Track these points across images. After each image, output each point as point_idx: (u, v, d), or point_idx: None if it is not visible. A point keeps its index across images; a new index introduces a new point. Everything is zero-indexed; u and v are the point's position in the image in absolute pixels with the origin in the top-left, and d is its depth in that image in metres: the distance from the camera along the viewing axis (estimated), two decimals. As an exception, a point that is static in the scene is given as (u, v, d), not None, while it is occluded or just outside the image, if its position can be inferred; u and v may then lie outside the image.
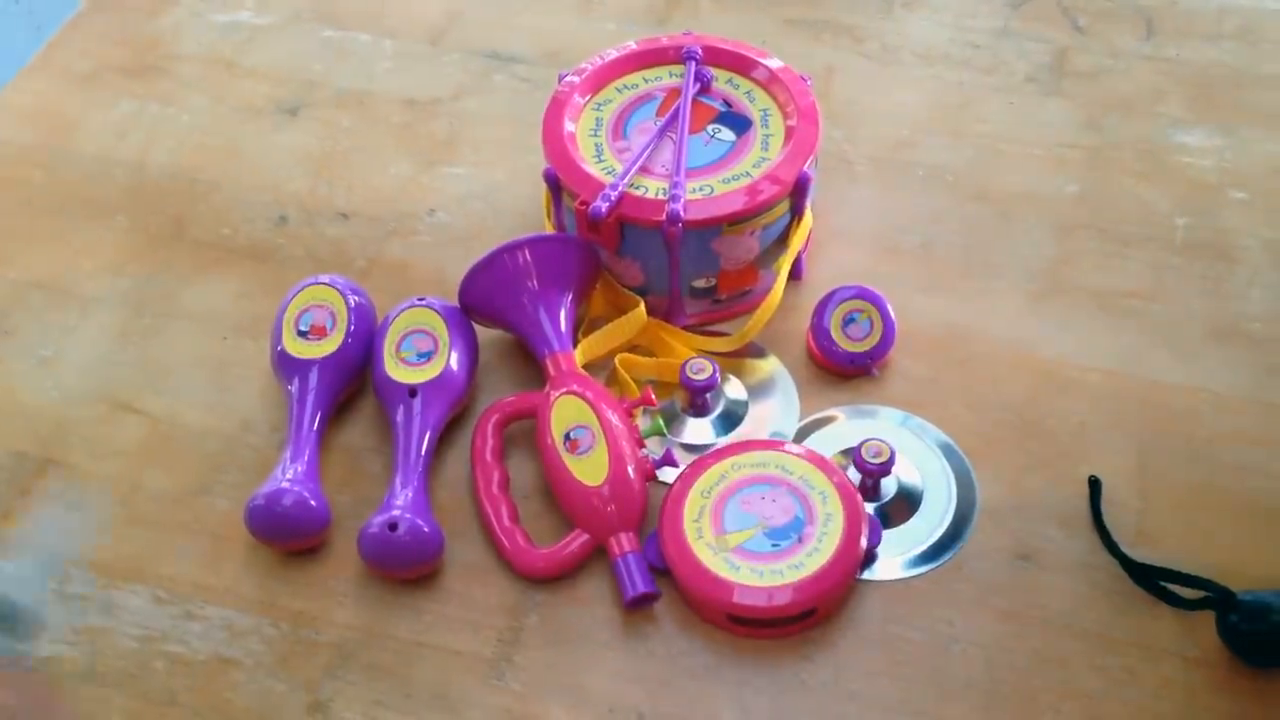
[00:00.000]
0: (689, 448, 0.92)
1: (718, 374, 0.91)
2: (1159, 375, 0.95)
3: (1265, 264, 1.01)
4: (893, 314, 0.95)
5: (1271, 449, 0.90)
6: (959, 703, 0.79)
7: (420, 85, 1.20)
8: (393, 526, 0.83)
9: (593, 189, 0.92)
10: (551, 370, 0.91)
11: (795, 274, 1.00)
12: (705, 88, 1.01)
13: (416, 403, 0.90)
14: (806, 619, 0.82)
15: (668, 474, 0.88)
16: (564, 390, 0.88)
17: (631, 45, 1.03)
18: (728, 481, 0.86)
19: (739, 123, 0.98)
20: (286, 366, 0.92)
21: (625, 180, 0.93)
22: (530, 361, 0.95)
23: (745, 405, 0.94)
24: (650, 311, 0.96)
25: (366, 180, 1.12)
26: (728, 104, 0.99)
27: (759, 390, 0.95)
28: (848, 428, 0.92)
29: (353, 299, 0.95)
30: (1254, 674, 0.79)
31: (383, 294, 0.99)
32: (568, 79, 1.01)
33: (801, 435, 0.92)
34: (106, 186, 1.13)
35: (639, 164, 0.95)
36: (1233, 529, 0.86)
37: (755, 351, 0.97)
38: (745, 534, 0.83)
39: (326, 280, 0.96)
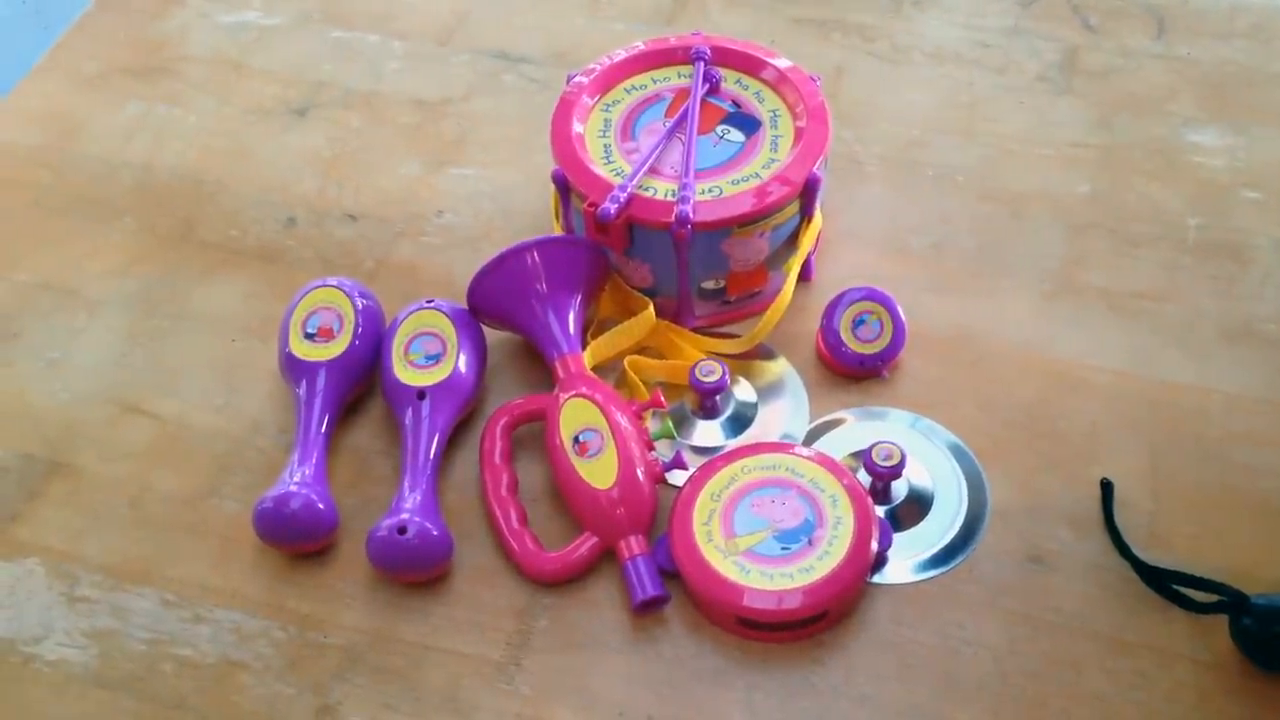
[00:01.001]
0: (698, 450, 0.92)
1: (727, 376, 0.91)
2: (1171, 376, 0.94)
3: (1278, 264, 1.01)
4: (903, 315, 0.94)
5: (1285, 451, 0.90)
6: (970, 706, 0.79)
7: (429, 86, 1.20)
8: (401, 530, 0.83)
9: (601, 191, 0.92)
10: (560, 372, 0.91)
11: (805, 275, 1.00)
12: (714, 88, 1.00)
13: (425, 405, 0.89)
14: (817, 622, 0.81)
15: (677, 476, 0.88)
16: (573, 393, 0.88)
17: (640, 46, 1.02)
18: (738, 484, 0.85)
19: (748, 123, 0.98)
20: (294, 369, 0.92)
21: (634, 182, 0.92)
22: (539, 363, 0.94)
23: (755, 407, 0.94)
24: (659, 313, 0.96)
25: (375, 181, 1.12)
26: (737, 105, 0.99)
27: (768, 392, 0.95)
28: (857, 430, 0.92)
29: (360, 301, 0.95)
30: (1267, 678, 0.79)
31: (391, 296, 0.99)
32: (576, 80, 1.00)
33: (811, 437, 0.92)
34: (114, 188, 1.13)
35: (648, 165, 0.94)
36: (1246, 531, 0.86)
37: (765, 353, 0.97)
38: (755, 537, 0.83)
39: (334, 283, 0.96)
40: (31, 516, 0.91)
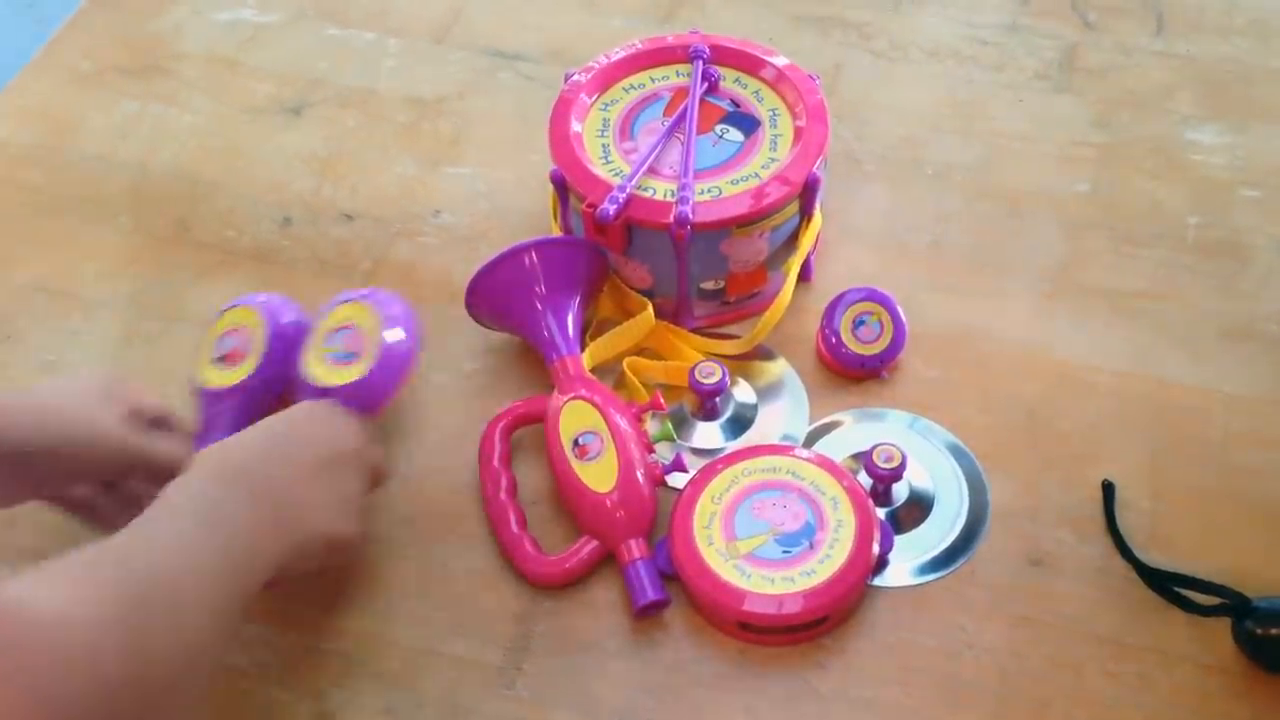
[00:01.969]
0: (698, 452, 0.91)
1: (727, 378, 0.90)
2: (1171, 376, 0.94)
3: (1279, 263, 1.00)
4: (903, 316, 0.94)
5: (1286, 451, 0.90)
6: (972, 709, 0.79)
7: (424, 84, 1.19)
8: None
9: (600, 191, 0.92)
10: (559, 374, 0.90)
11: (804, 275, 0.99)
12: (713, 87, 1.00)
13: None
14: (818, 626, 0.81)
15: (677, 479, 0.88)
16: (572, 395, 0.88)
17: (638, 44, 1.02)
18: (738, 487, 0.85)
19: (747, 123, 0.97)
20: (201, 398, 0.88)
21: (633, 182, 0.92)
22: (537, 365, 0.94)
23: (754, 408, 0.93)
24: (658, 314, 0.96)
25: (371, 180, 1.11)
26: (735, 104, 0.99)
27: (768, 393, 0.94)
28: (857, 431, 0.92)
29: (282, 319, 0.89)
30: (1270, 680, 0.79)
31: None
32: (574, 79, 1.00)
33: (811, 439, 0.91)
34: (109, 188, 1.13)
35: (646, 165, 0.94)
36: (1248, 532, 0.86)
37: (764, 354, 0.97)
38: (756, 540, 0.82)
39: (256, 303, 0.91)
40: (29, 520, 0.90)
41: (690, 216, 0.89)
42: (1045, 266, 1.01)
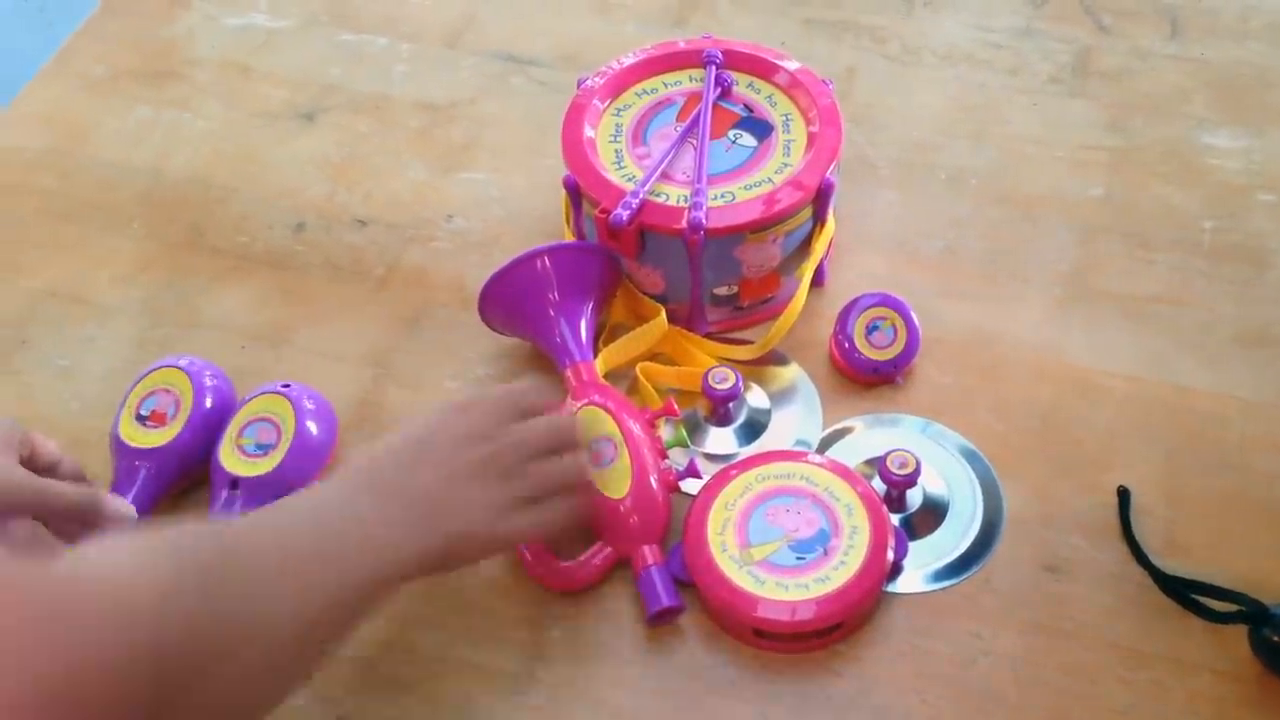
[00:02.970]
0: (711, 457, 0.91)
1: (740, 383, 0.90)
2: (1187, 381, 0.94)
3: (1294, 267, 1.00)
4: (917, 321, 0.93)
5: (1303, 457, 0.89)
6: (986, 717, 0.78)
7: (437, 89, 1.19)
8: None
9: (613, 196, 0.92)
10: (572, 380, 0.90)
11: (818, 280, 0.99)
12: (726, 92, 0.99)
13: (237, 496, 0.87)
14: (832, 633, 0.81)
15: (691, 485, 0.87)
16: (585, 401, 0.88)
17: (650, 49, 1.02)
18: (752, 493, 0.85)
19: (760, 128, 0.97)
20: (118, 452, 0.89)
21: (646, 188, 0.92)
22: (550, 371, 0.94)
23: (768, 414, 0.93)
24: (671, 319, 0.96)
25: (384, 186, 1.12)
26: (749, 109, 0.98)
27: (781, 399, 0.94)
28: (871, 437, 0.91)
29: (209, 382, 0.91)
30: (1287, 688, 0.78)
31: (402, 301, 0.98)
32: (587, 84, 1.00)
33: (825, 445, 0.91)
34: (122, 193, 1.13)
35: (660, 170, 0.94)
36: (1265, 538, 0.85)
37: (777, 359, 0.96)
38: (770, 547, 0.82)
39: (184, 367, 0.92)
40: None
41: (704, 222, 0.89)
42: (1059, 271, 1.01)
